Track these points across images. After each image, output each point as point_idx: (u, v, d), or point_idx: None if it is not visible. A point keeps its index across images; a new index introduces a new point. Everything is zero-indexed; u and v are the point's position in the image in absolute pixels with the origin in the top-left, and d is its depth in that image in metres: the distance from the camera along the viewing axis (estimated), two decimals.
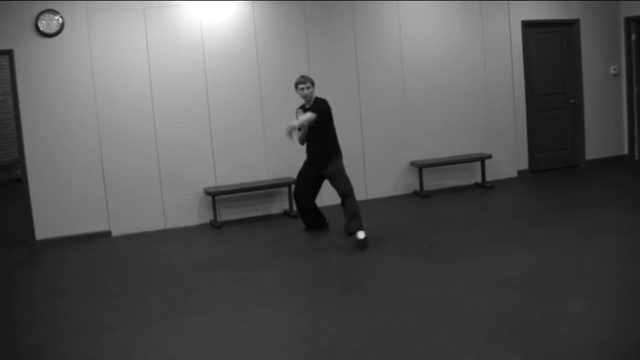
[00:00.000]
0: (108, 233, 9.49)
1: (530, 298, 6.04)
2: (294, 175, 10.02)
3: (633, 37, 12.65)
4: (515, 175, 11.90)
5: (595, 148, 12.70)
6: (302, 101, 8.60)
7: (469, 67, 11.44)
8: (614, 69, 12.78)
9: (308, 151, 8.71)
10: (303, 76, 8.51)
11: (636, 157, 12.90)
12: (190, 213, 9.87)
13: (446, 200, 10.55)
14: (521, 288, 6.32)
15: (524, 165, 12.08)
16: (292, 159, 10.13)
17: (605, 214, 9.03)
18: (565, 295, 6.07)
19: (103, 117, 9.38)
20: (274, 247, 8.49)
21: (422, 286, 6.62)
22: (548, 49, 12.29)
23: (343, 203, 8.35)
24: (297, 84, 8.48)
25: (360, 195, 10.59)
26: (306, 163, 8.80)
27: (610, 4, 12.63)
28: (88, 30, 9.24)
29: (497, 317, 5.64)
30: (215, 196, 9.72)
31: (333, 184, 8.52)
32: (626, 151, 12.99)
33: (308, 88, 8.40)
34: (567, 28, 12.39)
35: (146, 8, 9.45)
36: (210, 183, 9.92)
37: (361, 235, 8.13)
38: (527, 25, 11.92)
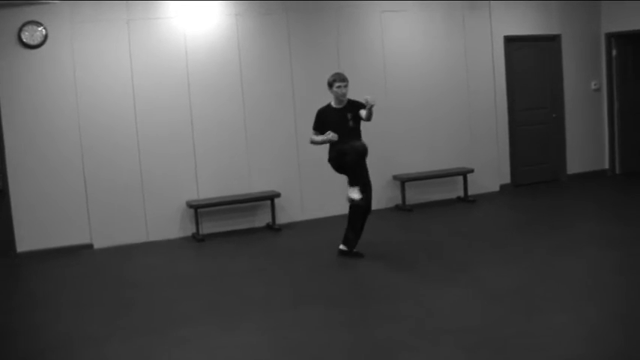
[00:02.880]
0: (90, 246, 9.43)
1: (514, 311, 6.06)
2: (277, 187, 10.06)
3: (614, 52, 12.76)
4: (497, 189, 11.94)
5: (576, 162, 12.77)
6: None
7: (452, 81, 11.50)
8: (595, 84, 12.87)
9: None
10: (340, 74, 8.09)
11: (617, 172, 12.99)
12: (172, 226, 9.83)
13: (428, 214, 10.57)
14: (504, 301, 6.34)
15: (507, 179, 12.13)
16: (275, 172, 10.16)
17: (588, 227, 9.10)
18: (548, 307, 6.10)
19: (85, 128, 9.34)
20: (257, 261, 8.47)
21: (406, 299, 6.63)
22: (530, 63, 12.37)
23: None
24: (333, 82, 8.00)
25: (342, 208, 10.62)
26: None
27: (591, 20, 12.73)
28: (72, 41, 9.22)
29: (481, 330, 5.66)
30: (197, 208, 9.69)
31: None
32: (607, 166, 13.07)
33: (346, 86, 8.01)
34: (549, 43, 12.48)
35: (130, 20, 9.44)
36: (193, 195, 9.89)
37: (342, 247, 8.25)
38: (509, 40, 12.00)
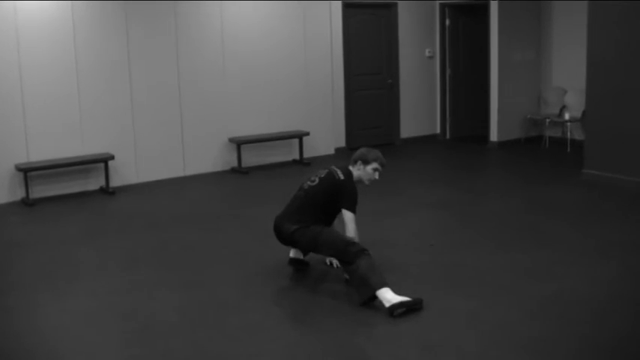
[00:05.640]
0: None
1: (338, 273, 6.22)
2: (111, 150, 9.86)
3: (447, 22, 13.19)
4: (332, 152, 12.15)
5: (410, 126, 13.20)
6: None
7: (290, 46, 11.57)
8: (429, 52, 13.28)
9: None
10: (383, 158, 6.21)
11: (447, 136, 13.49)
12: (0, 190, 9.44)
13: (264, 176, 10.65)
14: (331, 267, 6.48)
15: (342, 142, 12.37)
16: (109, 134, 9.95)
17: (416, 190, 9.43)
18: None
19: None
20: (89, 225, 8.28)
21: (231, 259, 6.67)
22: (367, 30, 12.61)
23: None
24: (373, 161, 6.13)
25: (178, 171, 10.60)
26: None
27: None
28: None
29: (303, 295, 5.77)
30: (27, 172, 9.33)
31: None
32: (438, 131, 13.56)
33: (380, 174, 6.26)
34: (386, 10, 12.74)
35: None
36: (23, 158, 9.51)
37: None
38: (347, 6, 12.17)
